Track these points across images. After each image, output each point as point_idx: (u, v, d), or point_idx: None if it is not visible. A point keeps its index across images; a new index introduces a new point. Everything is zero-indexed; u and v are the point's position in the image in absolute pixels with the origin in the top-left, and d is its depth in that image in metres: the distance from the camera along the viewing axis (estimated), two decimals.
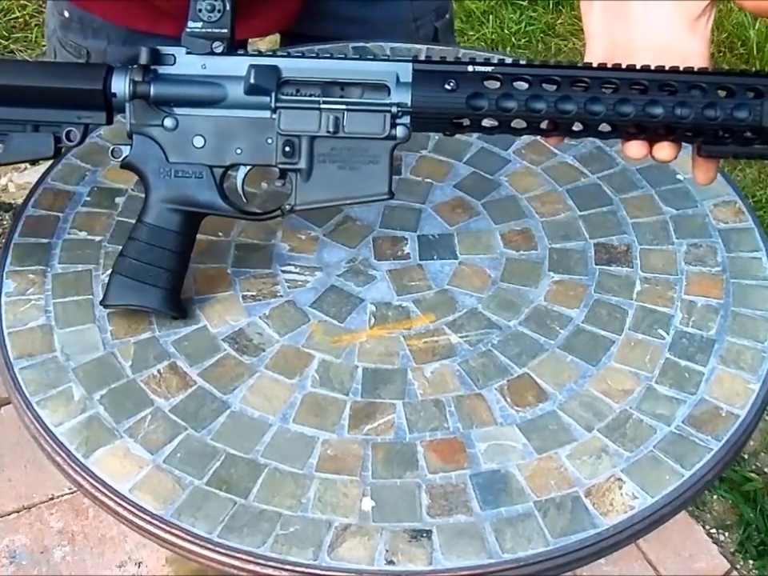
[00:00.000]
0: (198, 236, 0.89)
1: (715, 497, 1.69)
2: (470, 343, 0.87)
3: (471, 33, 2.54)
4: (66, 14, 1.15)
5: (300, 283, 0.92)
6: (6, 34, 2.52)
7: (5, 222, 2.12)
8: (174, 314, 0.87)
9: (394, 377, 0.84)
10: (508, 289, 0.91)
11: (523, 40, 2.54)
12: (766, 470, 1.73)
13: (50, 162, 1.01)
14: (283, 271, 0.93)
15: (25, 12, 2.57)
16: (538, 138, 1.03)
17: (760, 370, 0.85)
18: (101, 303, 0.88)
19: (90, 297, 0.90)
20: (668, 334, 0.88)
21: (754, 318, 0.89)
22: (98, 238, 0.95)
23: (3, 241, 0.97)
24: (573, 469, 0.78)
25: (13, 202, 2.13)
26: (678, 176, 1.00)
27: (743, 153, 0.82)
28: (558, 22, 2.61)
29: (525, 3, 2.63)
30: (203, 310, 0.89)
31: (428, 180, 1.01)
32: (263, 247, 0.95)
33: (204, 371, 0.85)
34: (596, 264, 0.93)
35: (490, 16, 2.58)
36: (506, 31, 2.55)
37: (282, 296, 0.91)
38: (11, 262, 0.92)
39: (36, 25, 2.53)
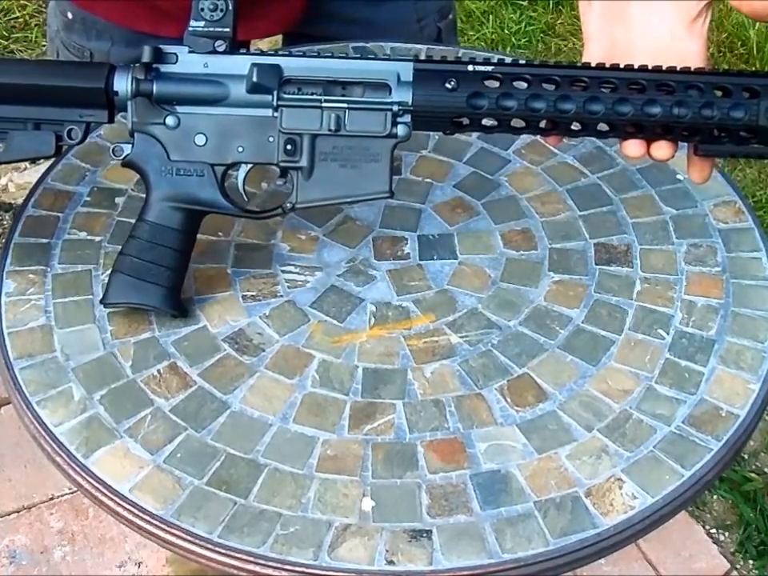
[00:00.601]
0: (198, 236, 0.89)
1: (715, 497, 1.69)
2: (469, 343, 0.87)
3: (471, 33, 2.54)
4: (69, 15, 1.15)
5: (300, 283, 0.92)
6: (6, 34, 2.52)
7: (5, 222, 2.12)
8: (174, 313, 0.87)
9: (394, 377, 0.84)
10: (508, 289, 0.91)
11: (523, 40, 2.54)
12: (766, 469, 1.73)
13: (50, 162, 1.01)
14: (283, 271, 0.93)
15: (25, 12, 2.57)
16: (538, 137, 1.03)
17: (760, 370, 0.85)
18: (101, 302, 0.88)
19: (90, 297, 0.90)
20: (668, 333, 0.88)
21: (754, 318, 0.89)
22: (97, 238, 0.95)
23: (3, 241, 0.97)
24: (573, 469, 0.78)
25: (13, 202, 2.13)
26: (678, 176, 1.00)
27: (739, 152, 0.83)
28: (558, 22, 2.61)
29: (525, 3, 2.63)
30: (203, 310, 0.89)
31: (428, 180, 1.01)
32: (263, 247, 0.95)
33: (204, 371, 0.85)
34: (596, 264, 0.93)
35: (490, 16, 2.58)
36: (506, 31, 2.55)
37: (282, 296, 0.91)
38: (11, 262, 0.92)
39: (36, 25, 2.53)
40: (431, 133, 1.04)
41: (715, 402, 0.83)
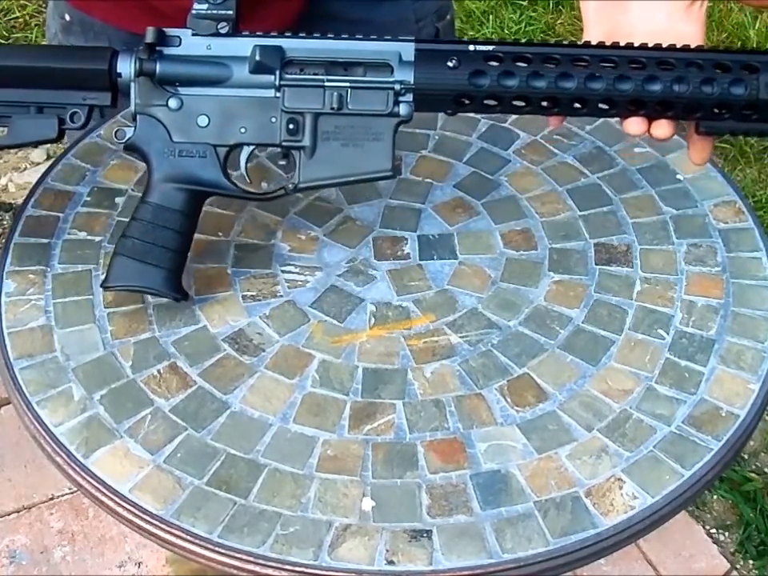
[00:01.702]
0: (198, 236, 0.90)
1: (715, 497, 1.69)
2: (470, 343, 0.87)
3: (471, 33, 2.54)
4: (67, 17, 1.15)
5: (300, 283, 0.92)
6: (6, 34, 2.52)
7: (5, 222, 2.12)
8: (175, 296, 0.87)
9: (394, 377, 0.84)
10: (508, 289, 0.91)
11: (523, 40, 2.54)
12: (766, 469, 1.73)
13: (50, 162, 1.01)
14: (283, 271, 0.93)
15: (25, 12, 2.57)
16: (538, 138, 1.03)
17: (760, 369, 0.85)
18: (101, 286, 0.87)
19: (90, 297, 0.90)
20: (668, 334, 0.88)
21: (754, 318, 0.89)
22: (97, 238, 0.95)
23: (3, 241, 0.97)
24: (573, 469, 0.78)
25: (13, 202, 2.13)
26: (678, 176, 1.00)
27: (740, 128, 0.83)
28: (558, 22, 2.60)
29: (525, 3, 2.62)
30: (203, 309, 0.89)
31: (428, 180, 1.01)
32: (263, 247, 0.95)
33: (204, 371, 0.85)
34: (596, 264, 0.93)
35: (490, 16, 2.58)
36: (506, 31, 2.55)
37: (281, 296, 0.91)
38: (11, 262, 0.92)
39: (36, 25, 2.53)
40: (431, 133, 1.04)
41: (715, 402, 0.83)
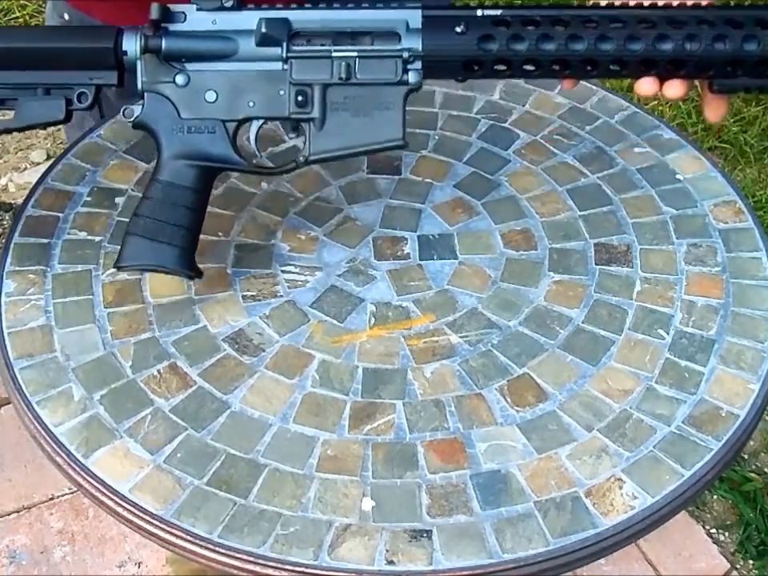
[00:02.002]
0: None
1: (715, 497, 1.69)
2: (470, 343, 0.87)
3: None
4: (66, 16, 1.15)
5: (300, 283, 0.92)
6: None
7: (5, 222, 2.12)
8: (189, 273, 0.87)
9: (394, 377, 0.84)
10: (508, 289, 0.91)
11: None
12: (766, 469, 1.73)
13: (50, 162, 1.01)
14: (283, 271, 0.93)
15: (25, 12, 2.57)
16: (538, 137, 1.04)
17: (760, 370, 0.85)
18: (114, 266, 0.87)
19: (90, 297, 0.90)
20: (668, 334, 0.88)
21: (754, 318, 0.89)
22: (97, 238, 0.95)
23: (3, 241, 0.97)
24: (573, 469, 0.78)
25: (13, 202, 2.13)
26: (678, 176, 1.00)
27: (755, 85, 0.82)
28: None
29: None
30: (203, 310, 0.89)
31: (428, 180, 1.01)
32: (263, 247, 0.95)
33: (204, 371, 0.85)
34: (596, 264, 0.93)
35: None
36: None
37: (282, 296, 0.91)
38: (11, 262, 0.92)
39: (36, 25, 2.53)
40: (431, 133, 1.04)
41: (715, 402, 0.83)
